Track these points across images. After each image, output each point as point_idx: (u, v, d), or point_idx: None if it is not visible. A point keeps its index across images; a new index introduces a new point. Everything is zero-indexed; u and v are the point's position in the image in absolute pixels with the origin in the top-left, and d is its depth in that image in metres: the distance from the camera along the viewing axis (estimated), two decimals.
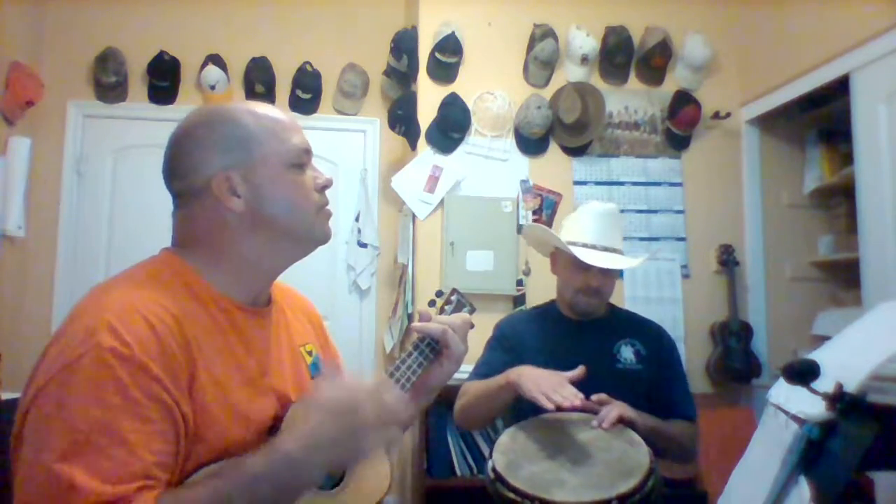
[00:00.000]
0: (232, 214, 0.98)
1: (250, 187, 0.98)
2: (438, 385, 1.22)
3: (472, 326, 1.25)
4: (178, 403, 0.86)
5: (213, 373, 0.92)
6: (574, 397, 1.54)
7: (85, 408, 0.80)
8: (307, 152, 1.05)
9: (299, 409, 1.01)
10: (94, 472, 0.78)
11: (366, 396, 0.91)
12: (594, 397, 1.69)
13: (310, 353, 1.16)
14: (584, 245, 1.87)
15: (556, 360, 1.88)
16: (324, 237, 1.06)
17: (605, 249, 1.87)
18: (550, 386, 1.59)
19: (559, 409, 1.55)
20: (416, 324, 1.18)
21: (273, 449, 0.88)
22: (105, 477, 0.78)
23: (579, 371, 1.66)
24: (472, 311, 1.26)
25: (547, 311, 2.03)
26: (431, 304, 1.26)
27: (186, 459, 0.88)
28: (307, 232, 1.04)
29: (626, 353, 1.89)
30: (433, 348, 1.17)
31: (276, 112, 1.05)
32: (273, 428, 0.99)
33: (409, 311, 3.15)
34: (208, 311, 0.97)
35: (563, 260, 1.95)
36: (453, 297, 1.26)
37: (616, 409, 1.64)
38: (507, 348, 1.94)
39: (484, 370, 1.92)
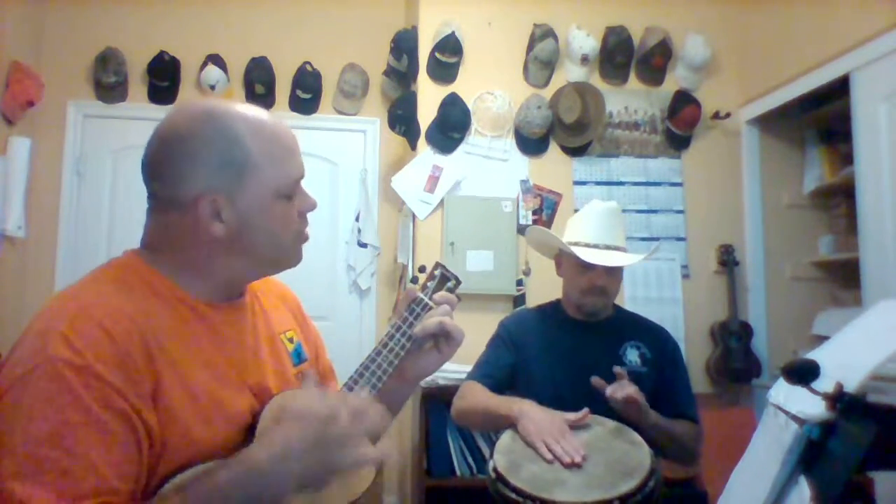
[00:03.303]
0: (210, 236, 0.93)
1: (235, 213, 0.93)
2: (433, 371, 1.18)
3: (458, 299, 1.21)
4: (138, 412, 0.82)
5: (181, 375, 0.89)
6: (575, 453, 1.51)
7: (39, 423, 0.77)
8: (300, 180, 1.00)
9: (274, 411, 0.98)
10: (51, 490, 0.75)
11: (342, 408, 0.88)
12: (617, 369, 1.69)
13: (291, 340, 1.12)
14: (587, 245, 1.87)
15: (561, 362, 1.88)
16: (295, 263, 1.03)
17: (608, 248, 1.87)
18: (552, 434, 1.57)
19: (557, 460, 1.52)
20: (416, 330, 1.13)
21: (242, 460, 0.85)
22: (62, 494, 0.76)
23: (582, 414, 1.65)
24: (456, 284, 1.21)
25: (553, 311, 2.02)
26: (414, 280, 1.22)
27: (157, 465, 0.85)
28: (281, 259, 1.02)
29: (632, 355, 1.89)
30: (411, 335, 1.14)
31: (280, 131, 0.98)
32: (251, 425, 0.96)
33: None
34: (175, 309, 0.93)
35: (567, 261, 1.94)
36: (436, 272, 1.21)
37: (630, 387, 1.64)
38: (511, 348, 1.93)
39: (486, 369, 1.91)
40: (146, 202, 0.98)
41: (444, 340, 1.14)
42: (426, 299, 1.17)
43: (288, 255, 1.01)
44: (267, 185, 0.95)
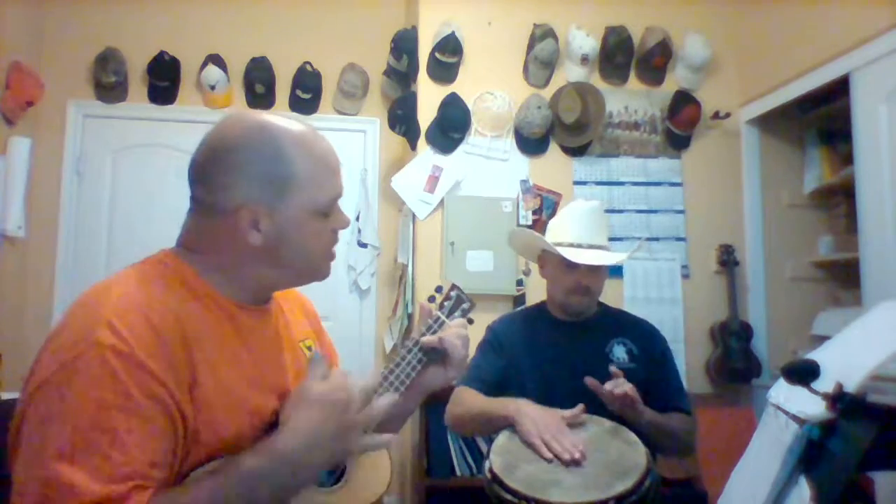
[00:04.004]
0: (246, 244, 0.97)
1: (273, 226, 0.96)
2: (436, 388, 1.23)
3: (471, 322, 1.26)
4: (177, 402, 0.85)
5: (215, 371, 0.92)
6: (574, 449, 1.51)
7: (84, 406, 0.80)
8: (338, 198, 1.03)
9: (293, 397, 1.02)
10: (91, 472, 0.78)
11: (355, 394, 0.94)
12: (612, 369, 1.70)
13: (309, 349, 1.16)
14: (570, 245, 1.87)
15: (549, 362, 1.88)
16: (322, 277, 1.07)
17: (591, 247, 1.88)
18: (550, 431, 1.57)
19: (557, 457, 1.51)
20: (423, 338, 1.19)
21: (270, 447, 0.88)
22: (101, 476, 0.78)
23: (578, 410, 1.65)
24: (470, 306, 1.27)
25: (538, 313, 2.03)
26: (431, 299, 1.27)
27: (186, 456, 0.88)
28: (311, 273, 1.05)
29: (619, 352, 1.90)
30: (426, 352, 1.19)
31: (326, 152, 1.02)
32: (272, 424, 0.98)
33: (409, 311, 3.15)
34: (208, 309, 0.96)
35: (551, 262, 1.95)
36: (452, 293, 1.27)
37: (628, 385, 1.65)
38: (500, 351, 1.94)
39: (476, 373, 1.91)
40: (188, 203, 1.01)
41: (449, 361, 1.19)
42: (443, 317, 1.22)
43: (317, 270, 1.05)
44: (306, 203, 0.98)
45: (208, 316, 0.95)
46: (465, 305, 1.26)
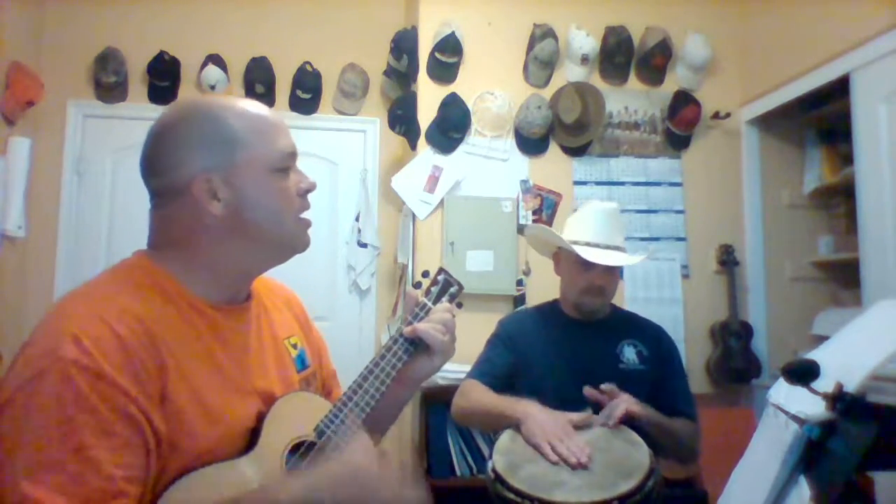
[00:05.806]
0: (211, 217, 0.95)
1: (231, 191, 0.95)
2: (426, 377, 1.20)
3: (459, 306, 1.23)
4: (147, 415, 0.83)
5: (188, 378, 0.89)
6: (581, 452, 1.50)
7: (49, 424, 0.78)
8: (292, 155, 1.01)
9: (285, 408, 1.00)
10: (60, 491, 0.75)
11: (384, 476, 0.88)
12: (604, 386, 1.69)
13: (294, 346, 1.13)
14: (587, 244, 1.87)
15: (559, 360, 1.88)
16: (302, 247, 1.03)
17: (608, 247, 1.88)
18: (556, 434, 1.56)
19: (563, 460, 1.50)
20: (405, 328, 1.15)
21: (268, 488, 0.85)
22: (71, 496, 0.76)
23: (585, 415, 1.64)
24: (459, 290, 1.23)
25: (550, 311, 2.03)
26: (418, 285, 1.24)
27: (164, 468, 0.85)
28: (286, 240, 1.01)
29: (629, 353, 1.90)
30: (413, 341, 1.16)
31: (263, 111, 1.00)
32: (255, 429, 0.96)
33: None
34: (183, 313, 0.94)
35: (566, 260, 1.95)
36: (440, 277, 1.23)
37: (623, 404, 1.64)
38: (510, 347, 1.94)
39: (486, 368, 1.92)
40: (148, 203, 1.00)
41: (431, 349, 1.16)
42: (429, 304, 1.19)
43: (291, 237, 1.02)
44: (258, 160, 0.97)
45: (182, 320, 0.93)
46: (452, 289, 1.22)
